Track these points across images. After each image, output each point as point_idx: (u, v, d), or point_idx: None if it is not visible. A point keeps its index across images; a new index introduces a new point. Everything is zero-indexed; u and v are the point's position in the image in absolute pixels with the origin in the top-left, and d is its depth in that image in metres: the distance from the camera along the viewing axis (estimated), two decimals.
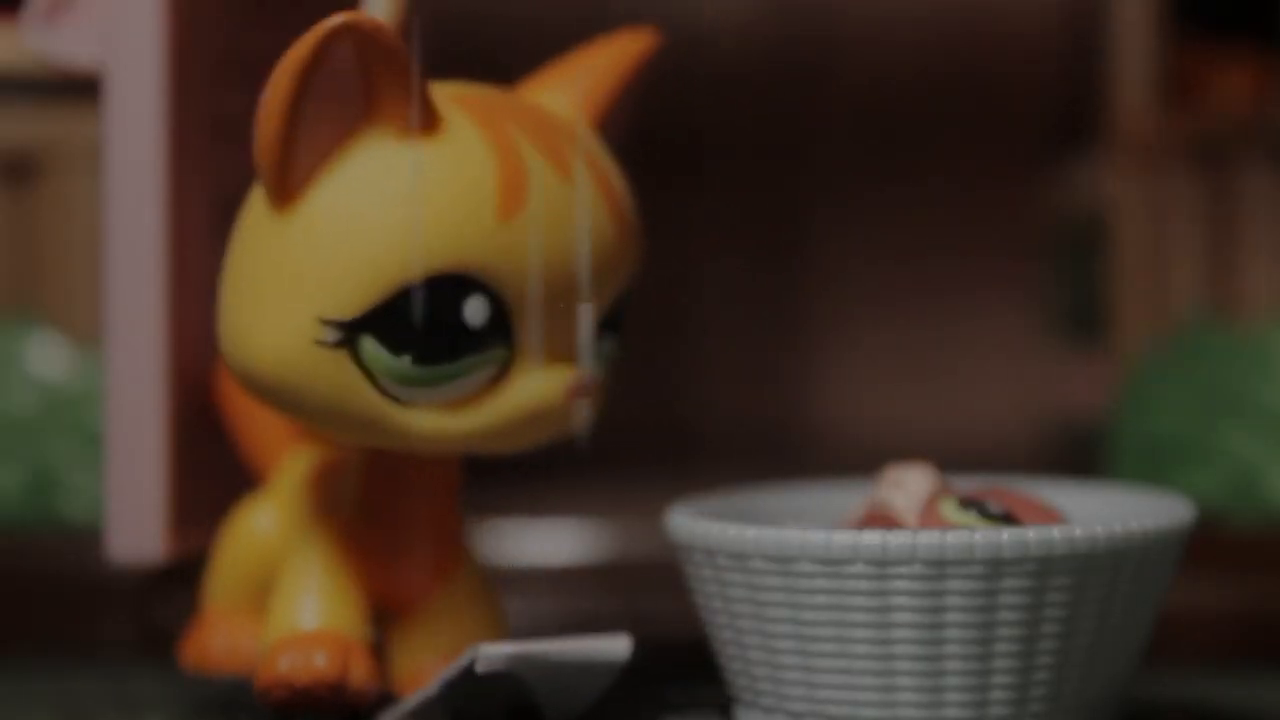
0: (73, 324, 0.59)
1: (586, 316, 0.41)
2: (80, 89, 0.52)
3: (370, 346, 0.38)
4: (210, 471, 0.48)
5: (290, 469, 0.45)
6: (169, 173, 0.46)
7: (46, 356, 0.59)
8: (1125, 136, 0.60)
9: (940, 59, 0.77)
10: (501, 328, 0.39)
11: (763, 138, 0.78)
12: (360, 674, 0.40)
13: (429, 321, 0.38)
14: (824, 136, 0.78)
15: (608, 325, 0.42)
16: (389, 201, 0.38)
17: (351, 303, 0.38)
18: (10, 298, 0.59)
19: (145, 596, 0.56)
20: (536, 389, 0.40)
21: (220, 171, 0.48)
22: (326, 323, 0.38)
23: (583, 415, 0.41)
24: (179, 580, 0.49)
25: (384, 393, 0.39)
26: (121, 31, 0.45)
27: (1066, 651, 0.39)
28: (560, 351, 0.40)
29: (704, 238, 0.77)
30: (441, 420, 0.39)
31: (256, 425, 0.47)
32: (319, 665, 0.40)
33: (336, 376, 0.39)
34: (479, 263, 0.39)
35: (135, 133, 0.46)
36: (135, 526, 0.46)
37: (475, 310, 0.39)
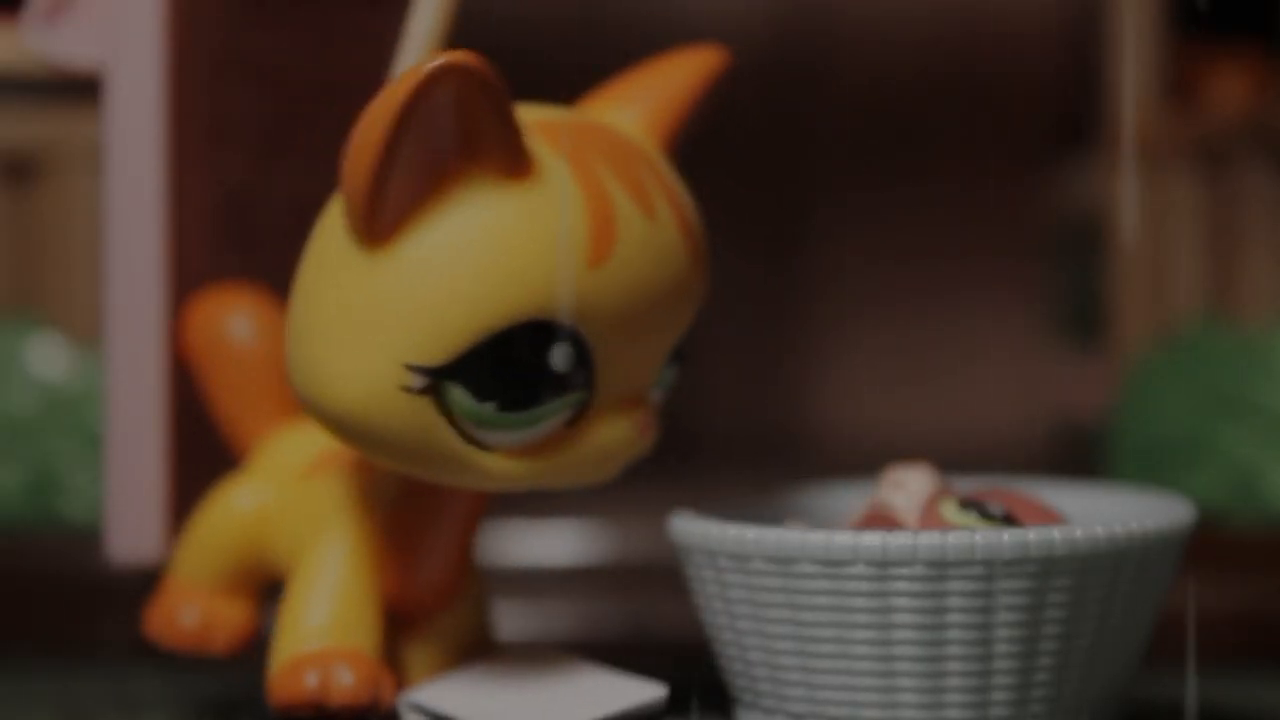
0: (73, 324, 0.59)
1: (662, 352, 0.40)
2: (80, 89, 0.52)
3: (455, 393, 0.38)
4: (210, 471, 0.48)
5: (275, 449, 0.45)
6: (169, 173, 0.46)
7: (46, 356, 0.59)
8: (1125, 137, 0.60)
9: (940, 59, 0.77)
10: (583, 370, 0.39)
11: (763, 137, 0.78)
12: (388, 694, 0.40)
13: (516, 369, 0.38)
14: (824, 137, 0.78)
15: (675, 353, 0.41)
16: (479, 247, 0.38)
17: (440, 349, 0.38)
18: (10, 298, 0.59)
19: (145, 596, 0.56)
20: (611, 432, 0.40)
21: (220, 171, 0.48)
22: (413, 369, 0.38)
23: (648, 444, 0.41)
24: None
25: (464, 435, 0.38)
26: (121, 31, 0.45)
27: (1067, 652, 0.39)
28: (634, 388, 0.40)
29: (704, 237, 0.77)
30: (517, 464, 0.39)
31: (233, 389, 0.46)
32: (348, 685, 0.40)
33: (418, 420, 0.38)
34: (567, 309, 0.38)
35: (135, 133, 0.46)
36: (135, 526, 0.46)
37: (561, 356, 0.38)
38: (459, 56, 0.37)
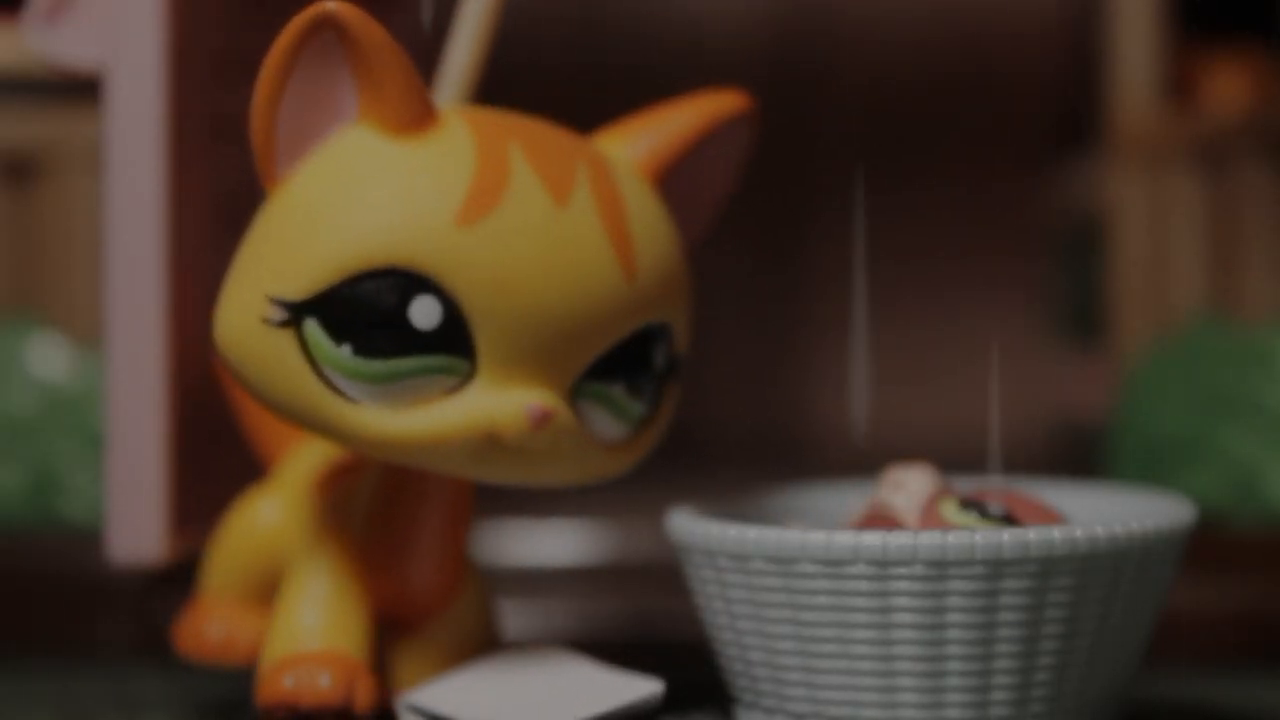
0: (73, 324, 0.59)
1: (573, 348, 0.40)
2: (80, 89, 0.52)
3: (313, 331, 0.38)
4: (210, 471, 0.48)
5: (296, 462, 0.45)
6: (169, 173, 0.46)
7: (46, 356, 0.59)
8: (1125, 136, 0.60)
9: (940, 60, 0.77)
10: (459, 337, 0.39)
11: (763, 138, 0.78)
12: (365, 697, 0.40)
13: (371, 314, 0.38)
14: (824, 137, 0.78)
15: (623, 374, 0.41)
16: (349, 189, 0.39)
17: (300, 284, 0.38)
18: (10, 298, 0.59)
19: (145, 596, 0.56)
20: (489, 404, 0.39)
21: (220, 171, 0.48)
22: (275, 301, 0.39)
23: (560, 456, 0.40)
24: (179, 580, 0.49)
25: (329, 385, 0.39)
26: (121, 31, 0.45)
27: (1067, 652, 0.39)
28: (530, 373, 0.39)
29: (704, 238, 0.77)
30: (384, 421, 0.39)
31: (264, 416, 0.47)
32: (324, 687, 0.40)
33: (281, 357, 0.39)
34: (430, 263, 0.38)
35: (135, 133, 0.46)
36: (135, 526, 0.46)
37: (423, 311, 0.38)
38: (341, 5, 0.38)
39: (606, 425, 0.41)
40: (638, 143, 0.42)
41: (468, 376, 0.39)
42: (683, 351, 0.43)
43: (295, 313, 0.38)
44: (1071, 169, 0.68)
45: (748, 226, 0.78)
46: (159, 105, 0.45)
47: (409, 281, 0.38)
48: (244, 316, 0.39)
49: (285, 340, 0.39)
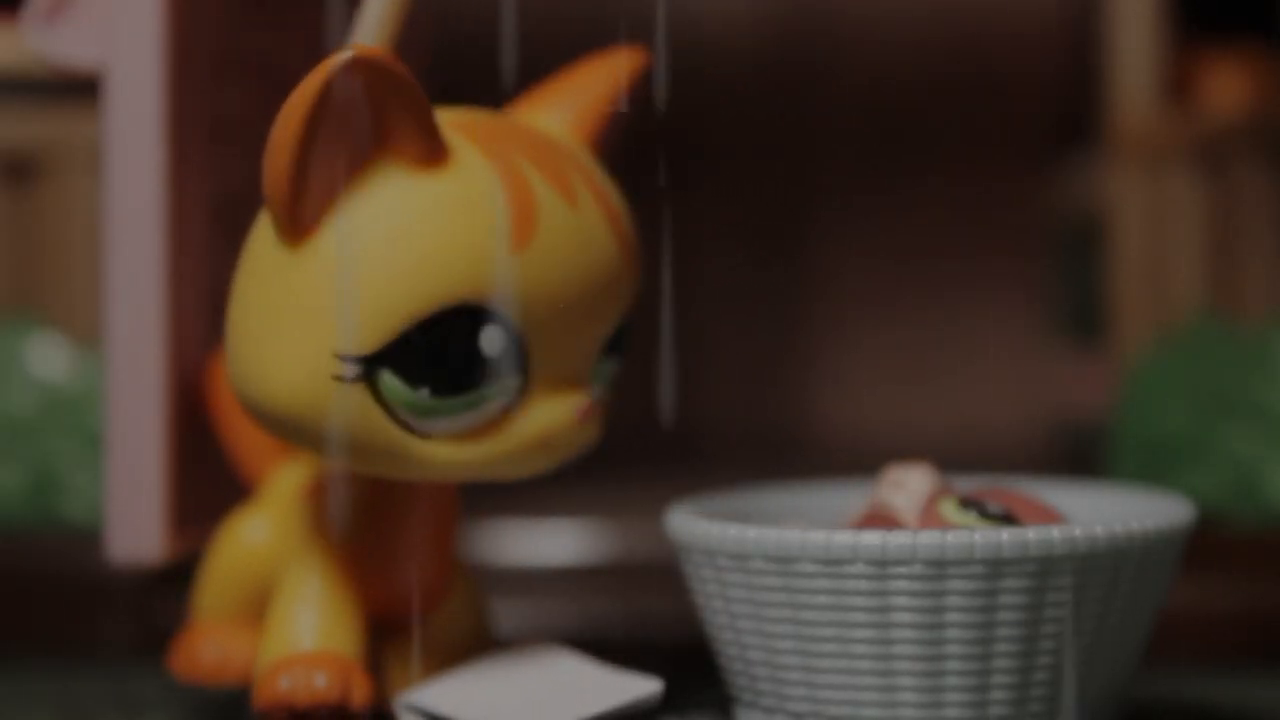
0: (73, 324, 0.59)
1: (595, 340, 0.41)
2: (80, 89, 0.52)
3: (388, 380, 0.38)
4: (210, 472, 0.48)
5: (282, 481, 0.45)
6: (169, 173, 0.46)
7: (46, 356, 0.59)
8: (1125, 136, 0.60)
9: (940, 59, 0.77)
10: (516, 356, 0.39)
11: (763, 137, 0.78)
12: (360, 695, 0.40)
13: (446, 354, 0.38)
14: (824, 136, 0.78)
15: (612, 345, 0.42)
16: (401, 235, 0.38)
17: (368, 337, 0.38)
18: (10, 298, 0.59)
19: (145, 596, 0.56)
20: (548, 416, 0.40)
21: (220, 171, 0.48)
22: (344, 358, 0.38)
23: (590, 435, 0.42)
24: (179, 580, 0.49)
25: (401, 424, 0.39)
26: (121, 31, 0.45)
27: (1066, 651, 0.39)
28: (569, 375, 0.41)
29: (704, 237, 0.77)
30: (458, 450, 0.39)
31: (248, 435, 0.47)
32: (319, 686, 0.40)
33: (355, 410, 0.39)
34: (494, 293, 0.39)
35: (135, 133, 0.46)
36: (135, 526, 0.46)
37: (491, 340, 0.39)
38: (364, 49, 0.37)
39: (599, 392, 0.42)
40: (564, 111, 0.43)
41: (520, 390, 0.40)
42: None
43: (368, 365, 0.38)
44: (1071, 169, 0.68)
45: (747, 226, 0.78)
46: (158, 105, 0.45)
47: (477, 315, 0.39)
48: (304, 375, 0.38)
49: (356, 393, 0.38)
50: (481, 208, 0.39)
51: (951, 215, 0.78)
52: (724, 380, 0.78)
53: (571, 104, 0.43)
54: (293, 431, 0.39)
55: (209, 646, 0.46)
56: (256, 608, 0.45)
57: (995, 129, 0.77)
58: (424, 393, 0.39)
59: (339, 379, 0.38)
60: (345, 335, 0.38)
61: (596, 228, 0.40)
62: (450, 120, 0.40)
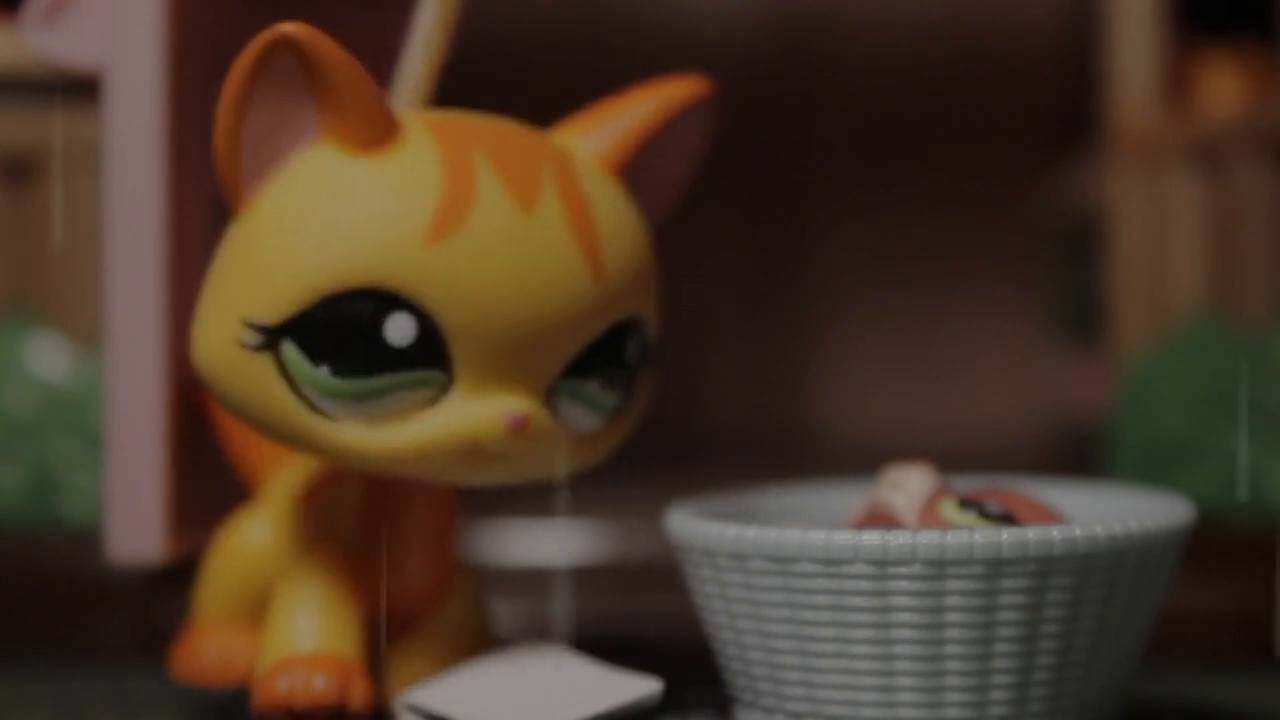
0: (73, 324, 0.59)
1: (549, 353, 0.40)
2: (80, 89, 0.51)
3: (290, 353, 0.39)
4: (210, 472, 0.48)
5: (281, 481, 0.45)
6: (169, 173, 0.46)
7: (46, 356, 0.59)
8: (1125, 136, 0.60)
9: (940, 59, 0.77)
10: (435, 351, 0.39)
11: (762, 137, 0.78)
12: (359, 696, 0.40)
13: (347, 334, 0.38)
14: (824, 136, 0.78)
15: (597, 370, 0.41)
16: (317, 210, 0.39)
17: (274, 308, 0.39)
18: (10, 298, 0.59)
19: (145, 596, 0.56)
20: (468, 415, 0.39)
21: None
22: (250, 325, 0.39)
23: (540, 456, 0.40)
24: (179, 580, 0.49)
25: (308, 403, 0.39)
26: (121, 31, 0.45)
27: (1066, 651, 0.39)
28: (512, 385, 0.40)
29: (704, 237, 0.77)
30: (366, 436, 0.39)
31: (247, 436, 0.47)
32: (318, 687, 0.40)
33: (258, 380, 0.39)
34: (403, 281, 0.38)
35: (135, 133, 0.46)
36: (135, 526, 0.46)
37: (398, 329, 0.39)
38: (300, 26, 0.38)
39: (582, 419, 0.41)
40: (600, 134, 0.43)
41: (445, 388, 0.39)
42: (654, 337, 0.43)
43: (271, 336, 0.39)
44: (1071, 169, 0.68)
45: (747, 227, 0.78)
46: (158, 105, 0.45)
47: (383, 300, 0.39)
48: (220, 340, 0.39)
49: (263, 363, 0.39)
50: (405, 194, 0.39)
51: (951, 215, 0.78)
52: (724, 380, 0.78)
53: (614, 126, 0.43)
54: (217, 396, 0.40)
55: (209, 647, 0.46)
56: (257, 608, 0.45)
57: (995, 129, 0.77)
58: (324, 370, 0.39)
59: (243, 345, 0.39)
60: (254, 302, 0.39)
61: (553, 239, 0.40)
62: (431, 117, 0.40)
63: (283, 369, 0.39)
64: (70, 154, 0.59)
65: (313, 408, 0.39)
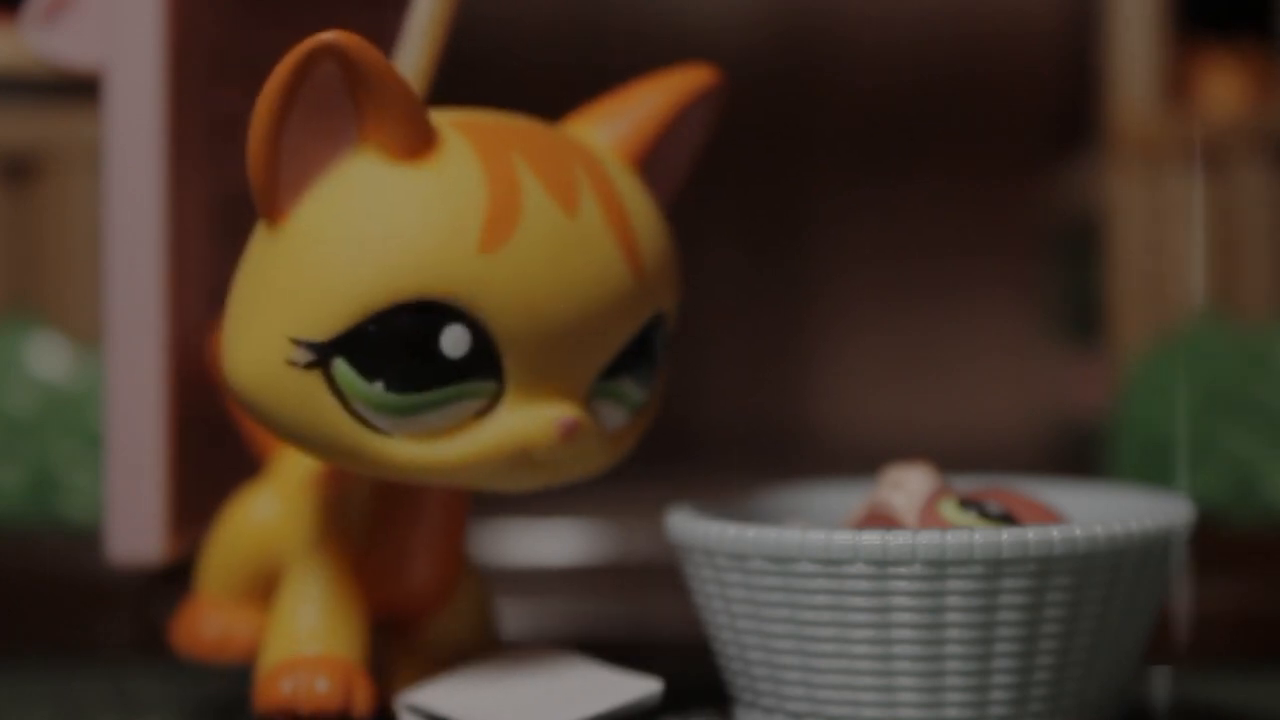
0: (73, 324, 0.59)
1: (593, 355, 0.40)
2: (80, 89, 0.51)
3: (342, 370, 0.38)
4: (210, 471, 0.48)
5: (291, 458, 0.45)
6: (169, 173, 0.46)
7: (46, 356, 0.59)
8: (1125, 136, 0.60)
9: (940, 59, 0.77)
10: (487, 360, 0.38)
11: (762, 137, 0.78)
12: (362, 700, 0.40)
13: (402, 349, 0.38)
14: (824, 136, 0.78)
15: (629, 367, 0.41)
16: (366, 224, 0.38)
17: (324, 324, 0.38)
18: (10, 298, 0.59)
19: (145, 596, 0.56)
20: (520, 425, 0.39)
21: (220, 171, 0.48)
22: (299, 343, 0.38)
23: (591, 457, 0.40)
24: (179, 580, 0.49)
25: (360, 419, 0.38)
26: (121, 31, 0.45)
27: (1066, 652, 0.39)
28: (556, 387, 0.39)
29: (704, 236, 0.77)
30: (421, 450, 0.39)
31: None
32: (322, 691, 0.40)
33: (309, 398, 0.38)
34: (457, 292, 0.38)
35: (135, 133, 0.45)
36: (135, 526, 0.46)
37: (453, 341, 0.38)
38: (341, 33, 0.37)
39: (614, 416, 0.41)
40: (613, 126, 0.42)
41: (495, 397, 0.39)
42: (671, 331, 0.43)
43: (322, 353, 0.38)
44: (1071, 169, 0.68)
45: (747, 225, 0.78)
46: (158, 105, 0.45)
47: (437, 313, 0.38)
48: (264, 358, 0.38)
49: (312, 381, 0.38)
50: (454, 204, 0.38)
51: (951, 215, 0.78)
52: (724, 380, 0.78)
53: (626, 119, 0.42)
54: (259, 415, 0.39)
55: (210, 623, 0.45)
56: (261, 585, 0.45)
57: (995, 129, 0.77)
58: (378, 387, 0.38)
59: (293, 364, 0.38)
60: (302, 320, 0.38)
61: (596, 239, 0.39)
62: (455, 118, 0.40)
63: (333, 386, 0.38)
64: (70, 154, 0.59)
65: (365, 424, 0.38)
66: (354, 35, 0.37)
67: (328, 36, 0.37)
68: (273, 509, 0.44)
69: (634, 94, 0.43)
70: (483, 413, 0.39)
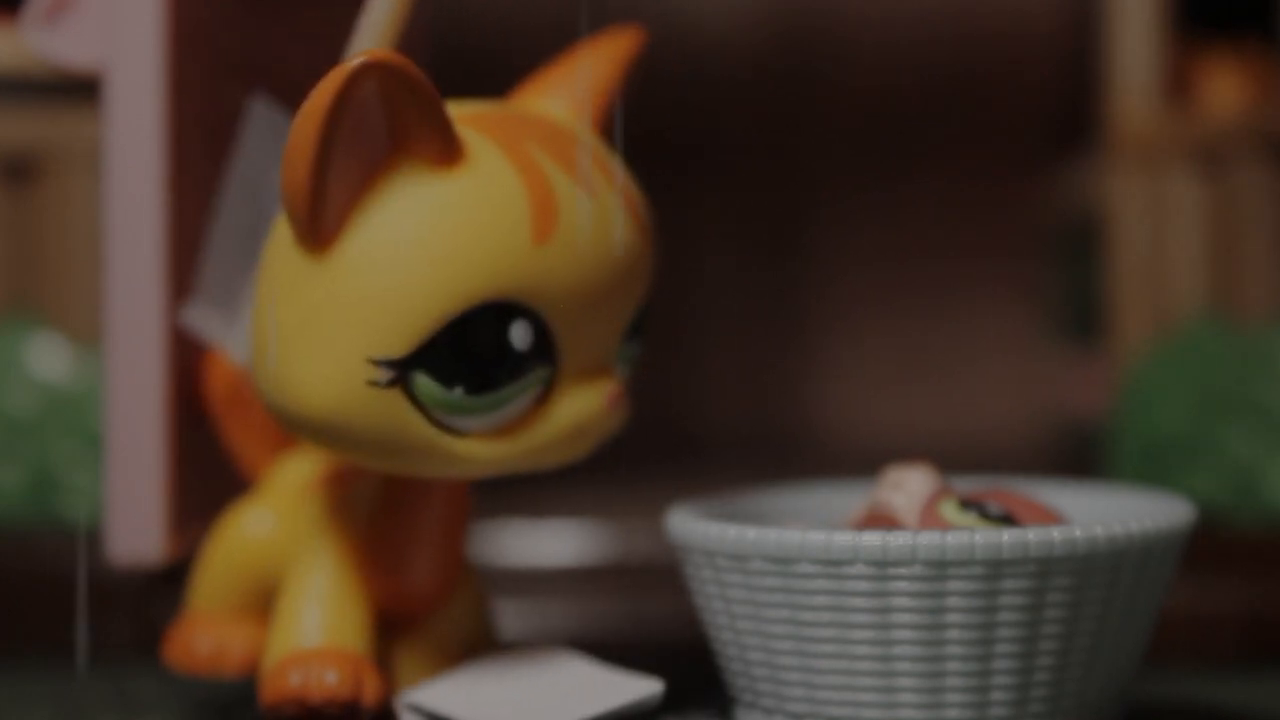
0: (73, 324, 0.59)
1: (619, 325, 0.41)
2: (80, 89, 0.51)
3: (422, 382, 0.38)
4: (210, 472, 0.48)
5: (283, 473, 0.45)
6: (169, 173, 0.46)
7: (46, 356, 0.59)
8: (1125, 136, 0.60)
9: (940, 59, 0.77)
10: (547, 348, 0.40)
11: (762, 137, 0.78)
12: (372, 692, 0.40)
13: (478, 352, 0.39)
14: (824, 136, 0.78)
15: (634, 328, 0.42)
16: (426, 236, 0.38)
17: (400, 341, 0.38)
18: (10, 298, 0.59)
19: (145, 596, 0.56)
20: (578, 405, 0.40)
21: (219, 171, 0.48)
22: (377, 363, 0.38)
23: (619, 420, 0.42)
24: (179, 580, 0.49)
25: (437, 424, 0.39)
26: (121, 31, 0.45)
27: (1066, 652, 0.39)
28: (596, 362, 0.41)
29: (704, 238, 0.77)
30: (494, 446, 0.40)
31: (246, 430, 0.47)
32: (331, 682, 0.40)
33: (390, 414, 0.39)
34: (520, 287, 0.39)
35: (135, 133, 0.45)
36: (135, 526, 0.46)
37: (521, 335, 0.39)
38: (378, 53, 0.37)
39: (623, 375, 0.42)
40: (565, 98, 0.43)
41: (548, 381, 0.40)
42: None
43: (402, 369, 0.38)
44: (1071, 169, 0.68)
45: (748, 227, 0.78)
46: (159, 105, 0.45)
47: (503, 311, 0.39)
48: (342, 383, 0.38)
49: (393, 397, 0.39)
50: (502, 204, 0.39)
51: (951, 216, 0.78)
52: (724, 380, 0.78)
53: (573, 89, 0.43)
54: (331, 439, 0.39)
55: (205, 638, 0.45)
56: (254, 600, 0.45)
57: (995, 129, 0.77)
58: (458, 391, 0.39)
59: (374, 384, 0.38)
60: (377, 340, 0.38)
61: (615, 213, 0.40)
62: (461, 115, 0.40)
63: (413, 399, 0.39)
64: (70, 154, 0.59)
65: (445, 429, 0.39)
66: (389, 52, 0.38)
67: (371, 56, 0.37)
68: (266, 524, 0.45)
69: (573, 64, 0.44)
70: (540, 398, 0.40)
